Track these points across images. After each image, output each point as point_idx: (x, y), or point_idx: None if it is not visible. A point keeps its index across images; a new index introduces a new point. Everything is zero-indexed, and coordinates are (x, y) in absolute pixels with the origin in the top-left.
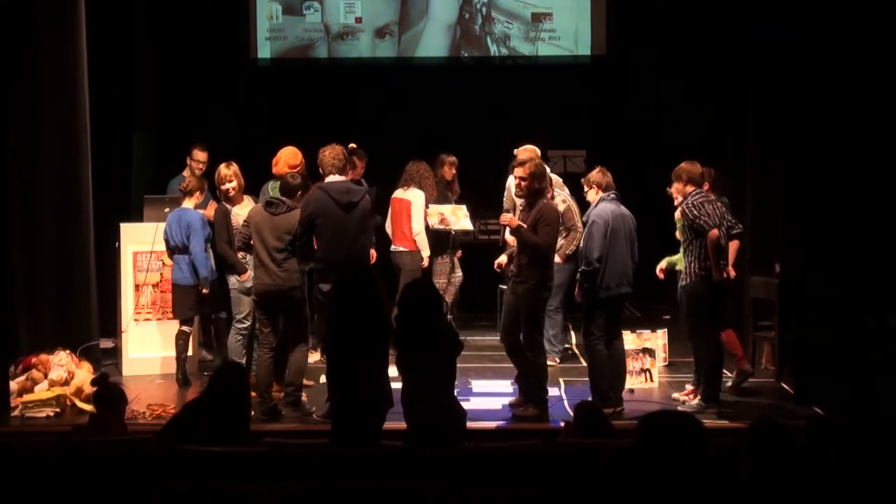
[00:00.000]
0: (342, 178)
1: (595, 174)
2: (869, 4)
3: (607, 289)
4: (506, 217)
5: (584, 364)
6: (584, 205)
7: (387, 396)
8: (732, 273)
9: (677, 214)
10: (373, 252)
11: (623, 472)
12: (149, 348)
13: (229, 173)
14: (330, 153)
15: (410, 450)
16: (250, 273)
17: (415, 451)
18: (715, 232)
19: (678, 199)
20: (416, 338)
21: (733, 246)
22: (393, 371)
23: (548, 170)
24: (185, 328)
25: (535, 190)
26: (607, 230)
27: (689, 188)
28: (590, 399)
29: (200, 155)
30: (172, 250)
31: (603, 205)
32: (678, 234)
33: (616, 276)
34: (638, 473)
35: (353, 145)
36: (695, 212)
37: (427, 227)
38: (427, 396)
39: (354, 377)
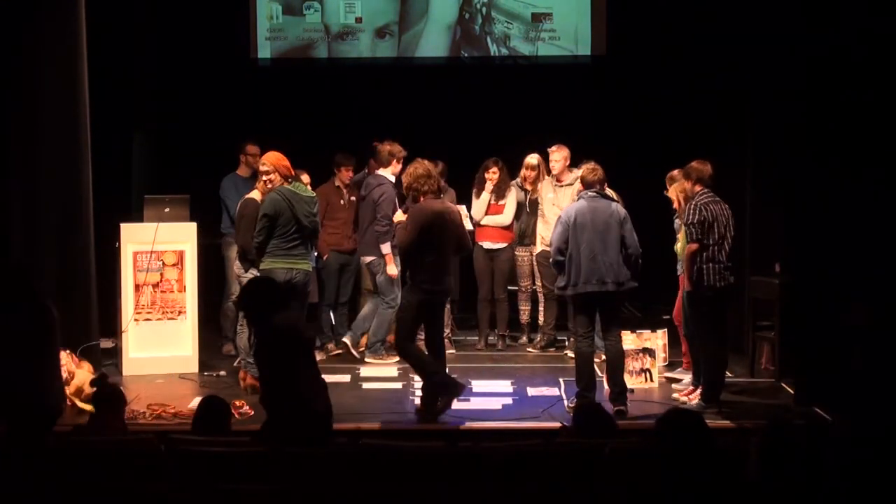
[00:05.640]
0: (382, 173)
1: (584, 170)
2: (868, 4)
3: (574, 286)
4: (398, 215)
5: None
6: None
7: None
8: (687, 283)
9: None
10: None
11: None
12: (149, 348)
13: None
14: (382, 149)
15: (410, 450)
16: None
17: (414, 450)
18: (695, 246)
19: (677, 203)
20: (260, 330)
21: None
22: (392, 371)
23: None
24: None
25: (412, 196)
26: (567, 227)
27: (697, 188)
28: (590, 399)
29: (253, 148)
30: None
31: (573, 203)
32: (678, 247)
33: (583, 273)
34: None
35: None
36: (692, 216)
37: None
38: (286, 389)
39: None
